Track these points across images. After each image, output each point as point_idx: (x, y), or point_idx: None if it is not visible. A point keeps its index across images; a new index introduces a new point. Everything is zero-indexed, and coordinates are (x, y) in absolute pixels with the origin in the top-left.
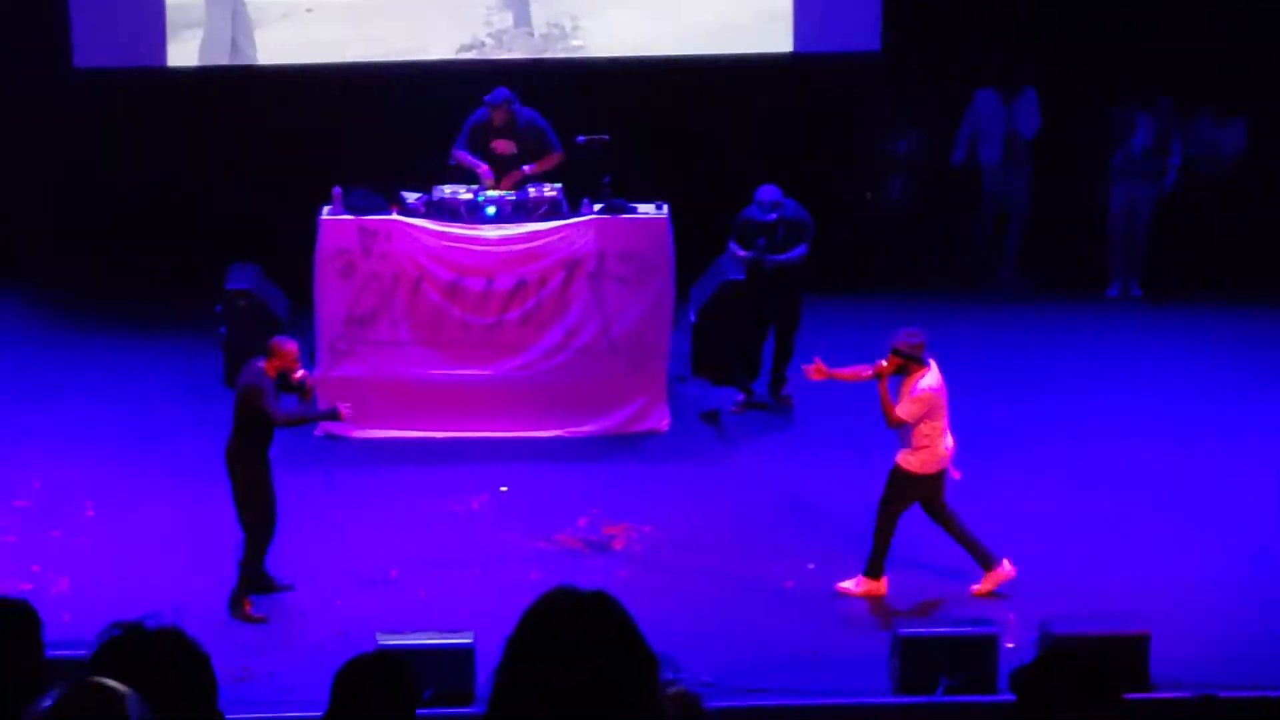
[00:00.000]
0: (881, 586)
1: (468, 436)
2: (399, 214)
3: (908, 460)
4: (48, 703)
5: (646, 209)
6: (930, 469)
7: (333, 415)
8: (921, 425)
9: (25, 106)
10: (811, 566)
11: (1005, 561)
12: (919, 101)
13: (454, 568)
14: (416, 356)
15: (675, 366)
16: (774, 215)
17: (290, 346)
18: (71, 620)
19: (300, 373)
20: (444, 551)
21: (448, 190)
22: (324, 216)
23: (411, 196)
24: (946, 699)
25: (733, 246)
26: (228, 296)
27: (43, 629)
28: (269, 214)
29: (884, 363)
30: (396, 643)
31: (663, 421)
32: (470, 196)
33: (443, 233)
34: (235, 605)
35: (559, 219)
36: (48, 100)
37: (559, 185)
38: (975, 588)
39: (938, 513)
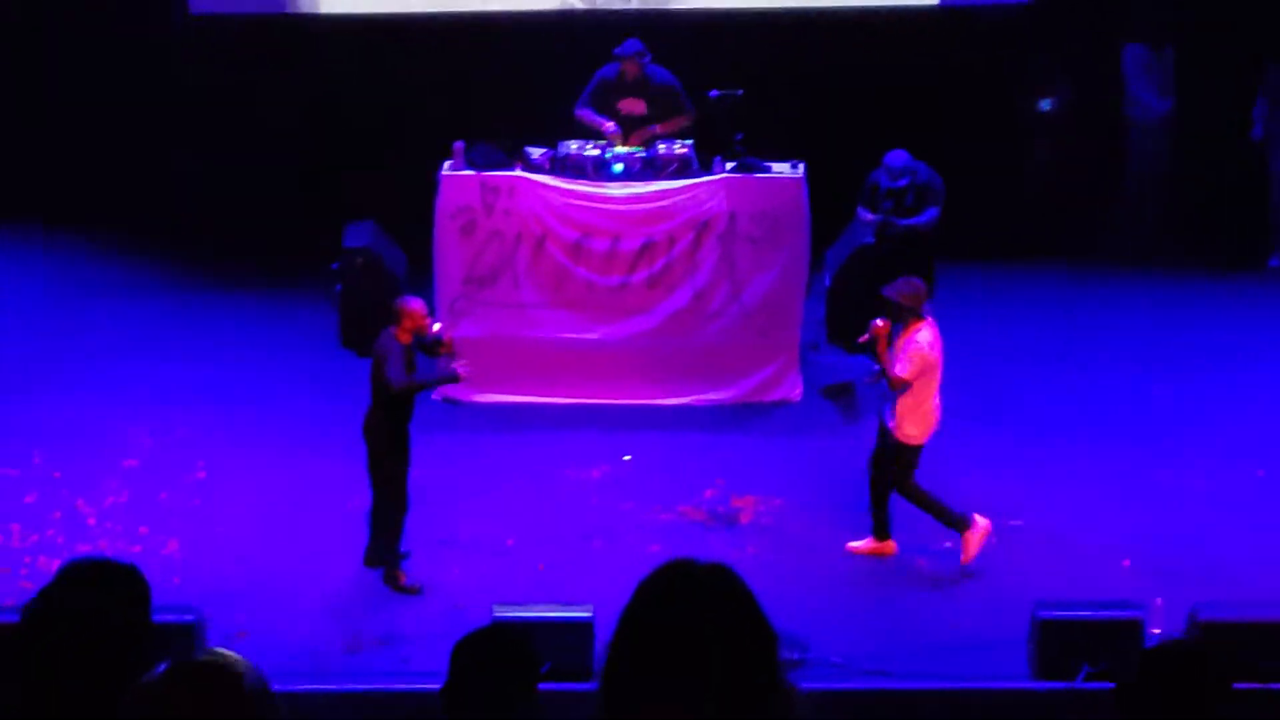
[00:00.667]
0: (890, 546)
1: (590, 403)
2: (523, 170)
3: (906, 432)
4: (161, 671)
5: (781, 168)
6: (927, 434)
7: (451, 378)
8: (914, 386)
9: (140, 51)
10: (948, 545)
11: (977, 517)
12: (1071, 55)
13: (573, 539)
14: (539, 318)
15: (808, 333)
16: (904, 181)
17: (415, 305)
18: (180, 584)
19: (435, 326)
20: (563, 522)
21: (574, 146)
22: (445, 172)
23: (536, 152)
24: (1088, 686)
25: (861, 211)
26: (344, 254)
27: (151, 595)
28: (388, 169)
29: (879, 323)
30: (513, 615)
31: (795, 390)
32: (597, 153)
33: (568, 190)
34: (390, 578)
35: (689, 178)
36: (163, 46)
37: (689, 142)
38: (963, 558)
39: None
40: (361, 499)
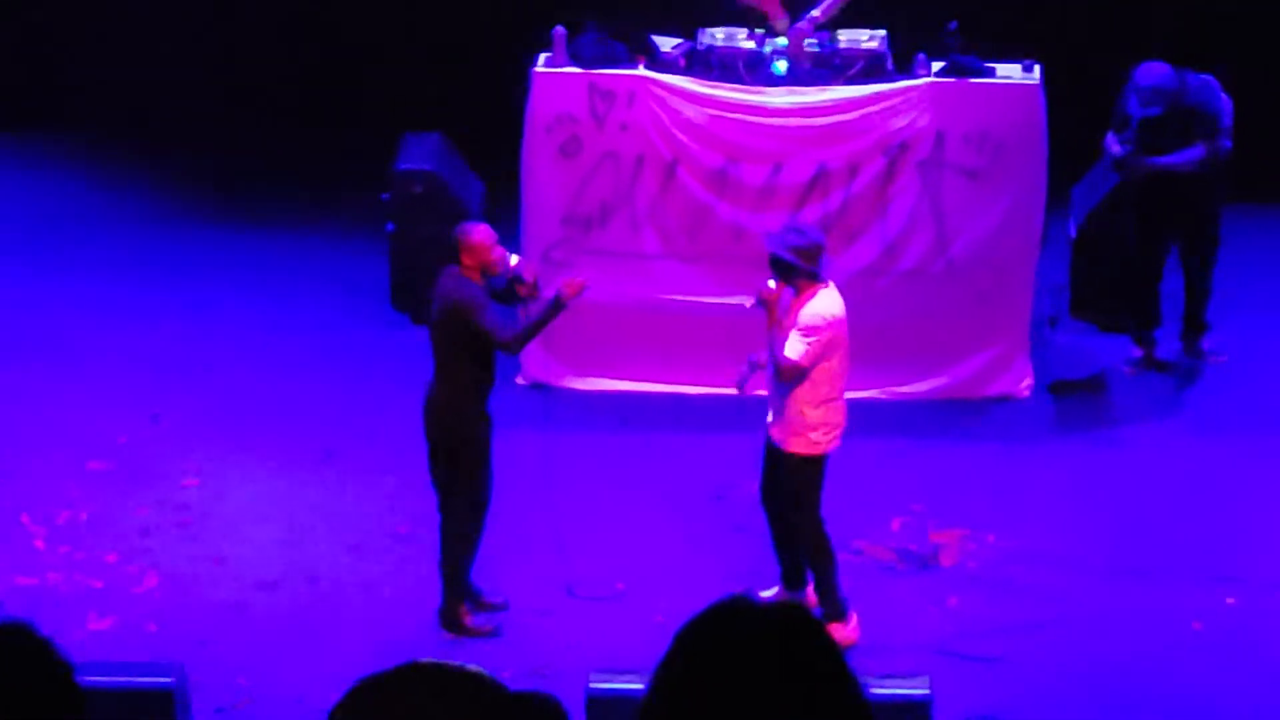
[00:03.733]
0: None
1: (728, 393)
2: (648, 68)
3: (805, 438)
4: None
5: (1009, 70)
6: (832, 440)
7: (557, 307)
8: (814, 373)
9: None
10: (1230, 601)
11: (853, 616)
12: None
13: (706, 583)
14: (665, 275)
15: (1044, 304)
16: (1155, 110)
17: (480, 233)
18: (158, 632)
19: (512, 259)
20: (692, 558)
21: (720, 36)
22: (540, 69)
23: (667, 44)
24: None
25: (1108, 140)
26: (399, 180)
27: (59, 659)
28: (462, 66)
29: (771, 285)
30: (614, 686)
31: (1023, 382)
32: (752, 46)
33: (711, 97)
34: (449, 619)
35: (880, 82)
36: None
37: (881, 32)
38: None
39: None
40: (416, 522)
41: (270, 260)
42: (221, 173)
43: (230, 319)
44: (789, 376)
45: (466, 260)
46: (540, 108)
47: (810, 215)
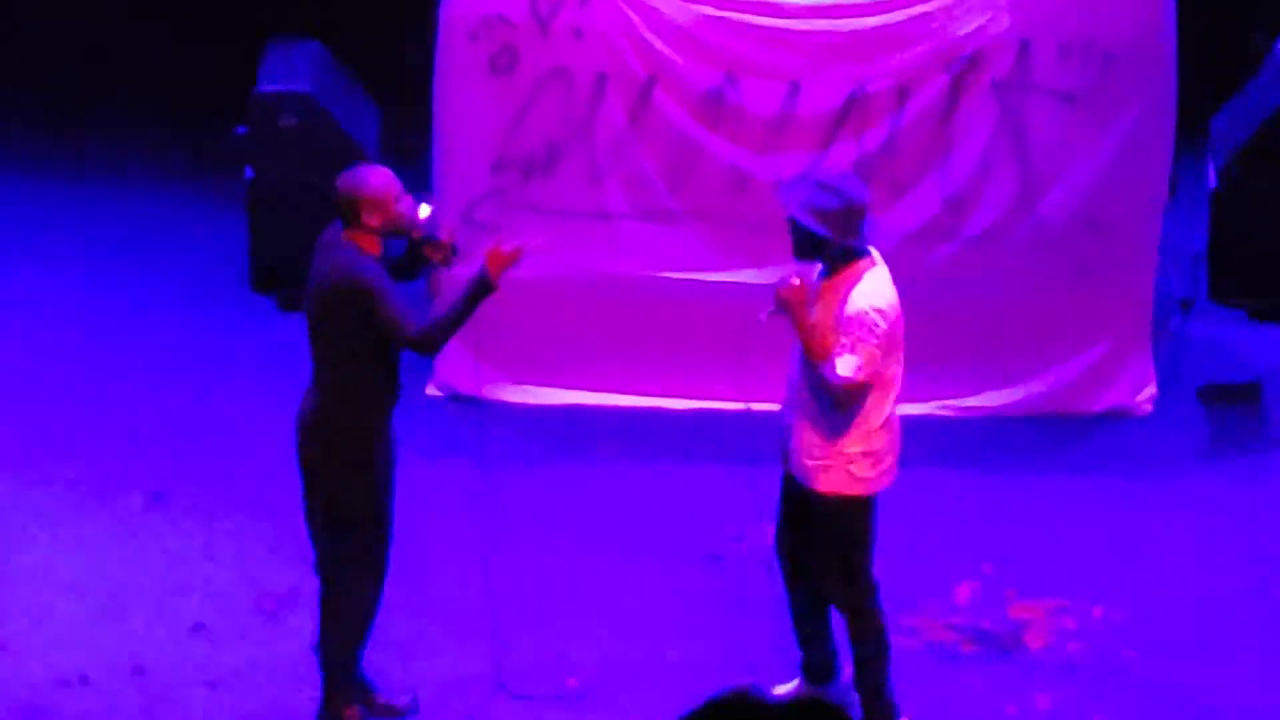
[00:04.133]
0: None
1: (731, 408)
2: None
3: (833, 475)
4: None
5: None
6: (883, 476)
7: (484, 286)
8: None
9: None
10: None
11: None
12: None
13: (694, 674)
14: (636, 241)
15: (1172, 281)
16: None
17: (379, 179)
18: None
19: (423, 210)
20: (676, 641)
21: None
22: None
23: None
24: None
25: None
26: (260, 106)
27: None
28: None
29: (794, 282)
30: None
31: (1142, 393)
32: None
33: None
34: (330, 718)
35: None
36: None
37: None
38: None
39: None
40: (285, 590)
41: (79, 221)
42: (22, 102)
43: (25, 300)
44: (847, 402)
45: (360, 219)
46: (462, 6)
47: (841, 158)
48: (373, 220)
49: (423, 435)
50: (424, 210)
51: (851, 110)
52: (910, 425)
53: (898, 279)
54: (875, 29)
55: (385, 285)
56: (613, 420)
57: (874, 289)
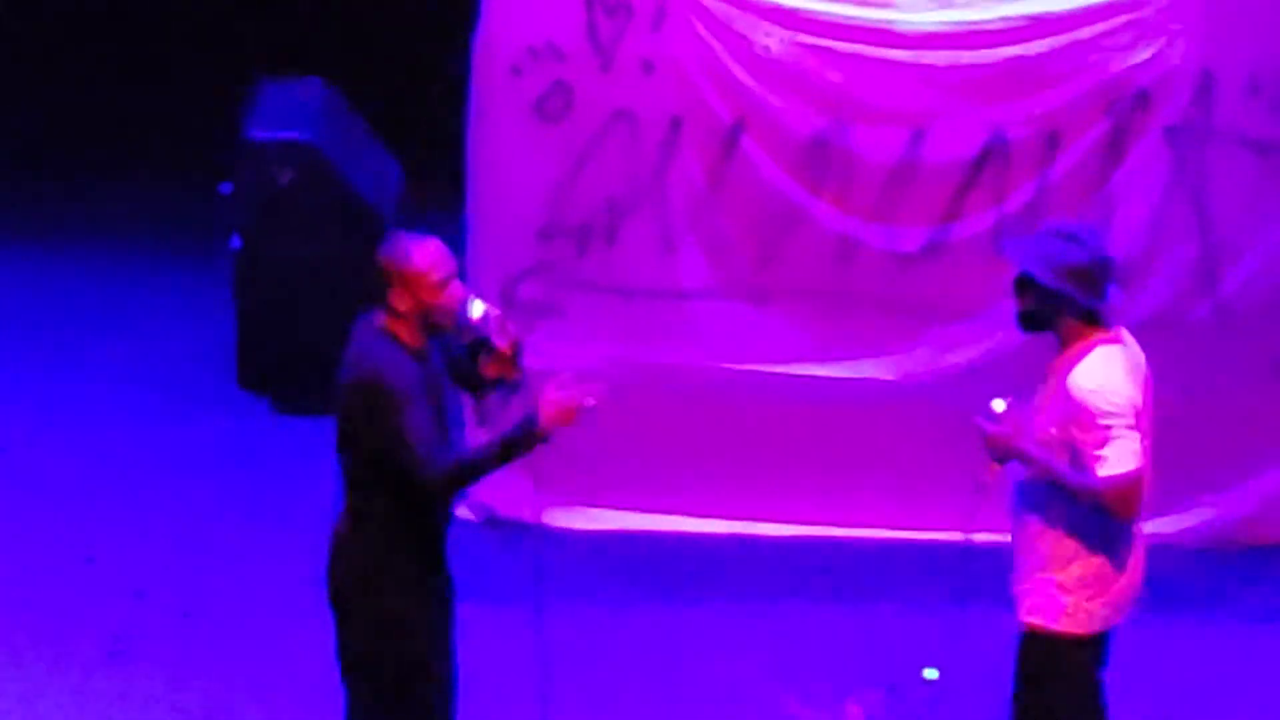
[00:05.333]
0: None
1: (837, 535)
2: None
3: (1075, 606)
4: None
5: None
6: (1121, 608)
7: (533, 436)
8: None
9: None
10: None
11: None
12: None
13: None
14: (721, 327)
15: None
16: None
17: (427, 253)
18: None
19: (476, 307)
20: None
21: None
22: None
23: None
24: None
25: None
26: (251, 158)
27: None
28: None
29: (999, 407)
30: None
31: None
32: None
33: (804, 13)
34: None
35: None
36: None
37: None
38: None
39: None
40: None
41: (32, 299)
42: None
43: None
44: (1127, 508)
45: (389, 300)
46: (501, 32)
47: (976, 222)
48: (402, 304)
49: (457, 567)
50: (476, 308)
51: (989, 163)
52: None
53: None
54: (1018, 61)
55: (411, 395)
56: (693, 550)
57: (1098, 367)
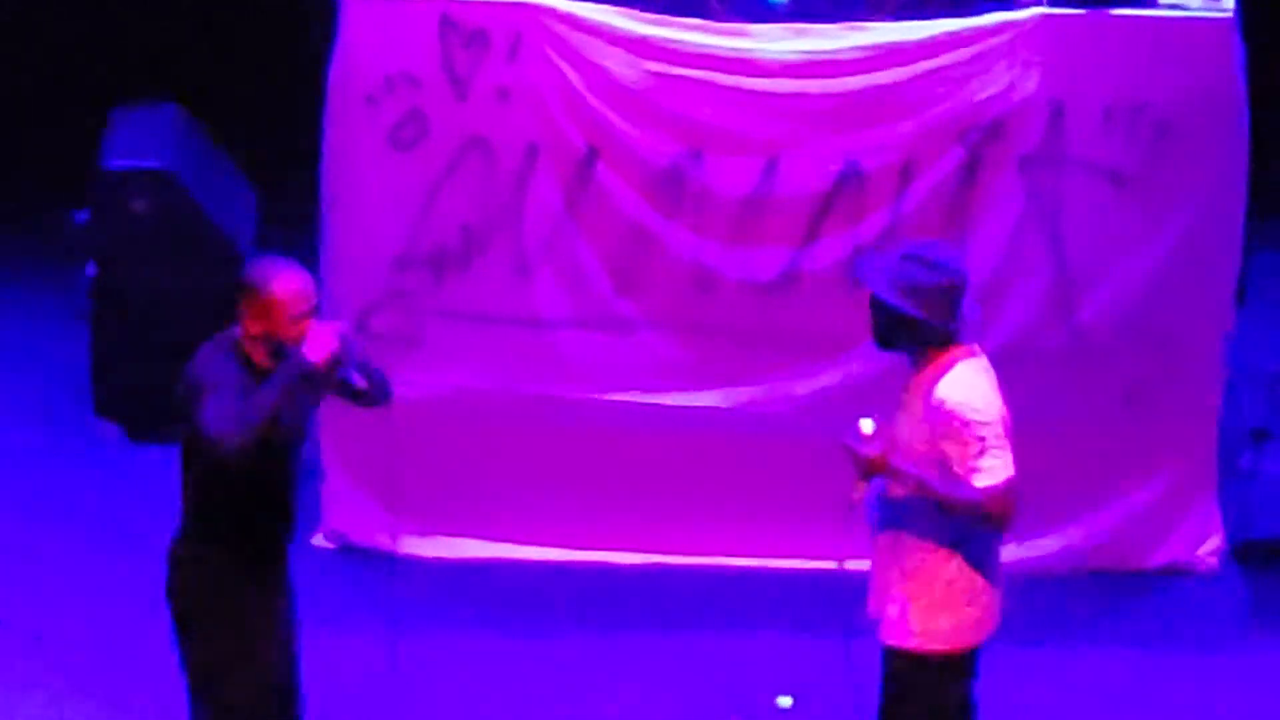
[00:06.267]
0: None
1: (692, 563)
2: None
3: (935, 625)
4: None
5: None
6: (988, 624)
7: (296, 363)
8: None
9: None
10: None
11: None
12: None
13: None
14: (576, 355)
15: (1244, 405)
16: None
17: (289, 285)
18: None
19: (321, 336)
20: None
21: None
22: None
23: None
24: None
25: None
26: (107, 186)
27: None
28: None
29: (866, 428)
30: None
31: (1206, 544)
32: None
33: (658, 42)
34: None
35: (953, 15)
36: None
37: None
38: None
39: None
40: None
41: None
42: None
43: None
44: (1006, 517)
45: (250, 325)
46: (357, 61)
47: (830, 251)
48: (254, 327)
49: (311, 595)
50: (321, 334)
51: (843, 192)
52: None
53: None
54: (871, 90)
55: (218, 381)
56: (551, 580)
57: (963, 379)
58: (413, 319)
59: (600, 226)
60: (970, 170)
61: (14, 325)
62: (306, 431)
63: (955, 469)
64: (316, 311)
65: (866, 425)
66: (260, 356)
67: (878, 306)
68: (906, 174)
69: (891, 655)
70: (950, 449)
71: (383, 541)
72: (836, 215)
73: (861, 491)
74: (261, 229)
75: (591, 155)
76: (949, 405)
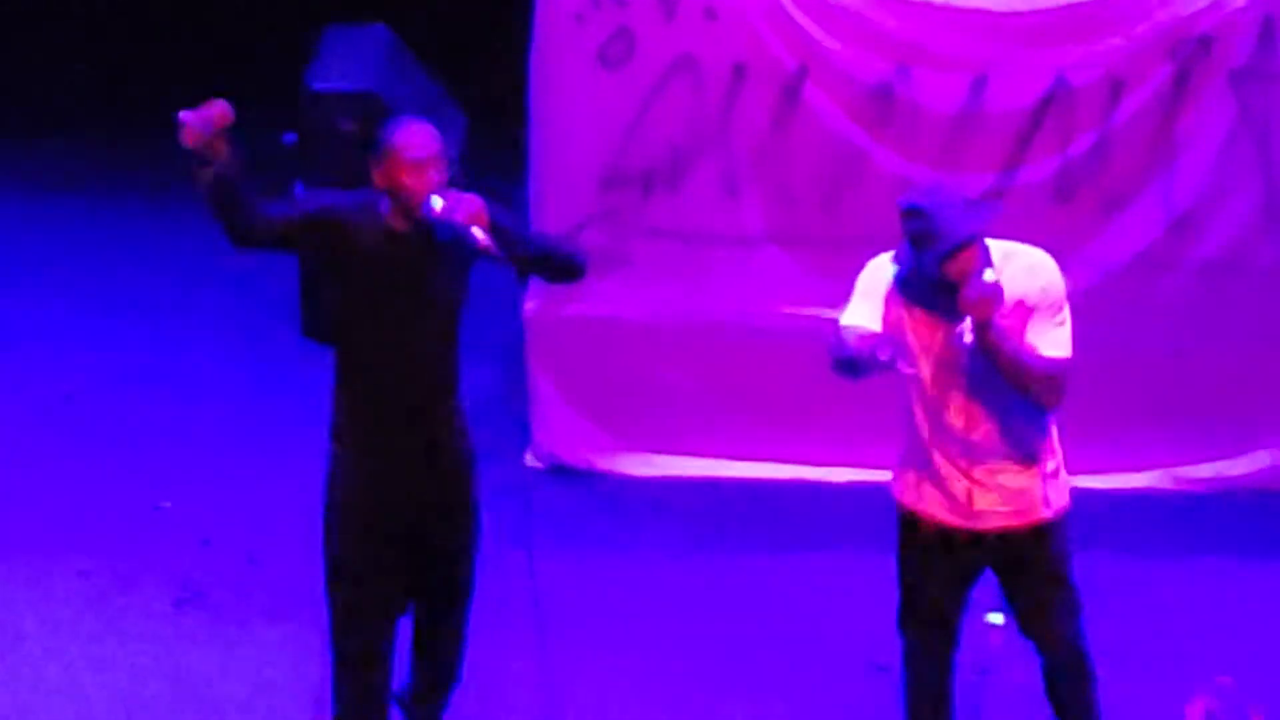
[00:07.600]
0: None
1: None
2: None
3: (1061, 491)
4: None
5: None
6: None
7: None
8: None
9: None
10: None
11: None
12: None
13: None
14: (784, 274)
15: None
16: None
17: (410, 137)
18: None
19: (439, 204)
20: None
21: None
22: None
23: None
24: None
25: None
26: (314, 108)
27: None
28: None
29: (991, 276)
30: None
31: None
32: None
33: None
34: None
35: None
36: None
37: None
38: None
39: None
40: None
41: (91, 248)
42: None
43: (25, 359)
44: (1057, 394)
45: (378, 178)
46: None
47: (1039, 169)
48: (380, 179)
49: (521, 515)
50: (435, 202)
51: (1051, 108)
52: (1127, 501)
53: (1110, 315)
54: (1081, 7)
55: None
56: (759, 496)
57: (1043, 255)
58: (620, 238)
59: (807, 146)
60: (1179, 85)
61: (225, 249)
62: (252, 236)
63: (1033, 334)
64: (450, 175)
65: (989, 275)
66: (395, 218)
67: (915, 212)
68: (1116, 90)
69: (1046, 533)
70: (1037, 315)
71: (593, 460)
72: (1044, 132)
73: (968, 329)
74: (469, 151)
75: (800, 75)
76: (1048, 271)
